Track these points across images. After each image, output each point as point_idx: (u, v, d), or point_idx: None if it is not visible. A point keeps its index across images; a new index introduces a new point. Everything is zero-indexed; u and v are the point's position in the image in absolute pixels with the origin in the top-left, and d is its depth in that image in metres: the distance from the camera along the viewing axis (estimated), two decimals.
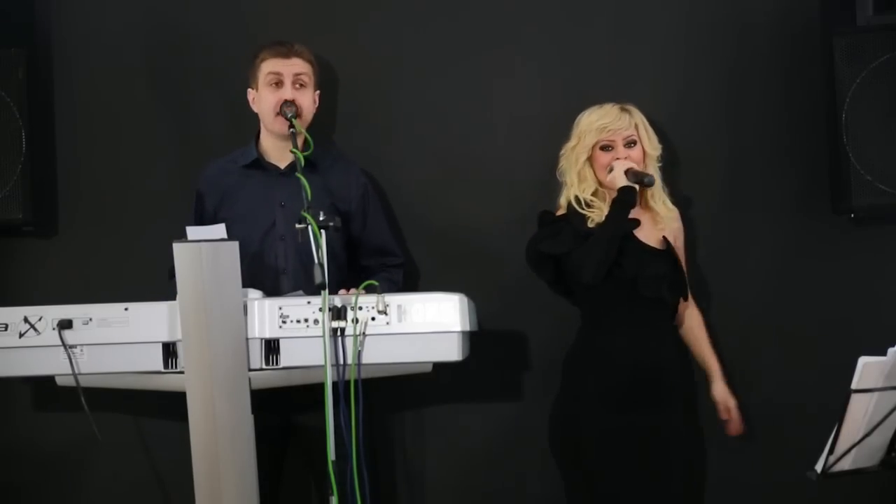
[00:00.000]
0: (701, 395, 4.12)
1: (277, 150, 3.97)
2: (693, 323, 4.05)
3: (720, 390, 4.00)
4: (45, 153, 4.28)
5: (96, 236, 4.32)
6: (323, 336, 3.44)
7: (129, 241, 4.29)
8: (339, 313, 3.51)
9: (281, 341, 3.54)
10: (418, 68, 4.30)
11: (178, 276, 3.44)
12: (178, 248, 3.44)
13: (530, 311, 4.20)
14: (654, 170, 3.94)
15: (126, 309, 3.57)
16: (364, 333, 3.51)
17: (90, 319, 3.56)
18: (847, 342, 3.91)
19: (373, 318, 3.53)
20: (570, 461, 3.87)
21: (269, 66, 3.94)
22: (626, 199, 3.82)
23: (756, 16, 4.24)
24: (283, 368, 3.55)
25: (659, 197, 3.96)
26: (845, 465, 3.29)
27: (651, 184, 3.84)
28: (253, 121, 4.04)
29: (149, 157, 4.32)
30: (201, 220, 3.93)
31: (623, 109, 3.91)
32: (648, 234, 3.93)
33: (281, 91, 3.91)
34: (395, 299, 3.55)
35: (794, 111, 4.23)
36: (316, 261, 3.41)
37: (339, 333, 3.49)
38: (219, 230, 3.63)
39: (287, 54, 3.95)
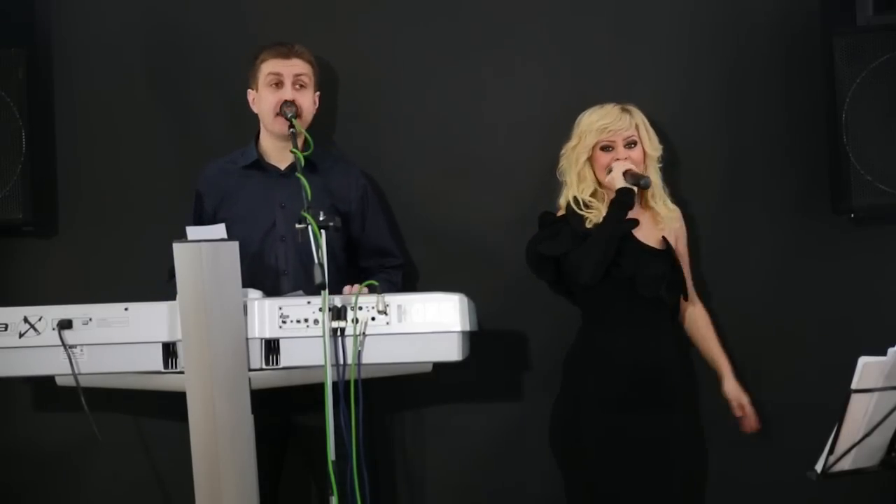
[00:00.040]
0: (702, 395, 4.13)
1: (277, 151, 3.97)
2: (700, 322, 4.05)
3: (732, 387, 3.99)
4: (45, 153, 4.28)
5: (96, 236, 4.32)
6: (323, 336, 3.44)
7: (129, 241, 4.29)
8: (339, 313, 3.51)
9: (281, 341, 3.54)
10: (418, 68, 4.30)
11: (178, 276, 3.44)
12: (178, 248, 3.44)
13: (530, 311, 4.20)
14: (654, 170, 3.94)
15: (126, 309, 3.57)
16: (364, 333, 3.51)
17: (90, 319, 3.56)
18: (847, 342, 3.90)
19: (373, 318, 3.53)
20: (570, 461, 3.87)
21: (269, 67, 3.94)
22: (623, 201, 3.82)
23: (756, 16, 4.24)
24: (283, 368, 3.55)
25: (659, 197, 3.97)
26: (845, 465, 3.29)
27: (647, 186, 3.84)
28: (253, 121, 4.04)
29: (149, 157, 4.32)
30: (201, 221, 3.93)
31: (624, 110, 3.91)
32: (648, 234, 3.93)
33: (281, 91, 3.92)
34: (395, 299, 3.55)
35: (794, 111, 4.23)
36: (316, 261, 3.41)
37: (339, 333, 3.49)
38: (219, 230, 3.63)
39: (287, 55, 3.95)
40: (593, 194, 3.92)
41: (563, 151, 3.97)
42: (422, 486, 4.28)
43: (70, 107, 4.34)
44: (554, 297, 4.02)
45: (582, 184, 3.92)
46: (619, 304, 3.85)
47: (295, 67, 3.94)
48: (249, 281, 3.65)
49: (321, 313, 3.45)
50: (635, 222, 3.89)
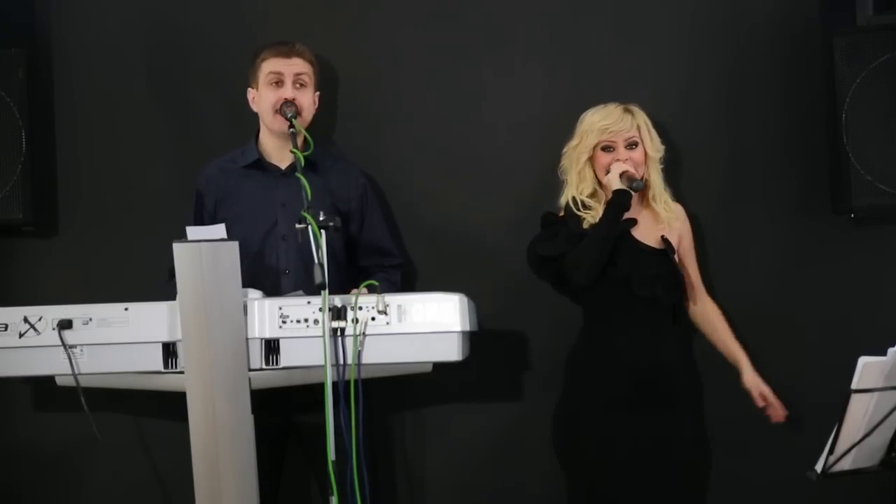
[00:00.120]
0: (705, 395, 4.12)
1: (278, 150, 3.98)
2: (712, 316, 4.04)
3: (751, 379, 3.97)
4: (45, 153, 4.28)
5: (96, 236, 4.32)
6: (323, 336, 3.44)
7: (129, 241, 4.29)
8: (339, 313, 3.51)
9: (281, 341, 3.54)
10: (418, 68, 4.30)
11: (178, 276, 3.44)
12: (178, 248, 3.44)
13: (530, 311, 4.20)
14: (655, 171, 3.94)
15: (126, 309, 3.57)
16: (364, 333, 3.51)
17: (90, 319, 3.56)
18: (847, 342, 3.90)
19: (373, 318, 3.53)
20: (571, 462, 3.87)
21: (269, 66, 3.94)
22: (619, 202, 3.82)
23: (756, 16, 4.24)
24: (283, 368, 3.55)
25: (660, 197, 3.97)
26: (845, 465, 3.29)
27: (639, 189, 3.84)
28: (253, 120, 4.04)
29: (149, 157, 4.32)
30: (201, 221, 3.93)
31: (626, 110, 3.91)
32: (647, 234, 3.93)
33: (281, 90, 3.92)
34: (395, 299, 3.55)
35: (794, 111, 4.23)
36: (316, 261, 3.41)
37: (339, 333, 3.49)
38: (219, 230, 3.63)
39: (288, 54, 3.95)
40: (593, 194, 3.93)
41: (564, 150, 3.97)
42: (422, 486, 4.28)
43: (70, 107, 4.34)
44: (554, 297, 4.02)
45: (582, 183, 3.92)
46: (619, 304, 3.85)
47: (295, 66, 3.94)
48: (250, 280, 3.66)
49: (321, 313, 3.45)
50: (633, 222, 3.90)
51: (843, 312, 4.16)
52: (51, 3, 4.33)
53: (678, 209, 4.02)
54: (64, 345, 3.55)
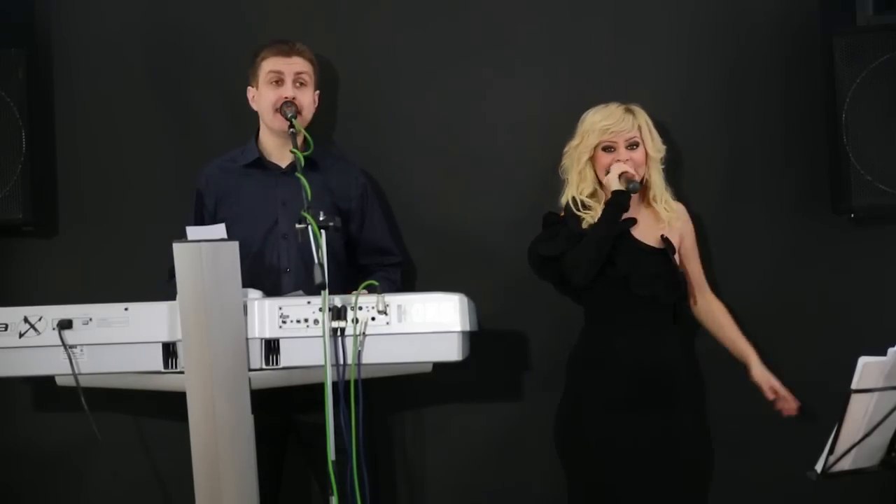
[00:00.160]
0: (708, 394, 4.12)
1: (278, 149, 3.98)
2: (717, 314, 4.04)
3: (760, 373, 3.95)
4: (45, 153, 4.28)
5: (96, 236, 4.32)
6: (323, 336, 3.44)
7: (129, 241, 4.28)
8: (339, 313, 3.51)
9: (281, 341, 3.54)
10: (418, 68, 4.30)
11: (178, 276, 3.44)
12: (178, 248, 3.44)
13: (530, 311, 4.20)
14: (656, 171, 3.94)
15: (126, 309, 3.57)
16: (364, 333, 3.51)
17: (90, 319, 3.56)
18: (847, 342, 3.90)
19: (373, 318, 3.52)
20: (573, 461, 3.86)
21: (270, 65, 3.94)
22: (617, 202, 3.82)
23: (756, 16, 4.24)
24: (283, 368, 3.55)
25: (661, 197, 3.96)
26: (845, 465, 3.29)
27: (636, 190, 3.83)
28: (253, 120, 4.04)
29: (149, 157, 4.32)
30: (202, 220, 3.93)
31: (627, 110, 3.91)
32: (646, 233, 3.93)
33: (281, 89, 3.92)
34: (395, 299, 3.55)
35: (794, 111, 4.23)
36: (316, 261, 3.41)
37: (339, 333, 3.49)
38: (219, 230, 3.63)
39: (288, 53, 3.95)
40: (593, 194, 3.92)
41: (565, 149, 3.97)
42: (422, 486, 4.28)
43: (70, 107, 4.34)
44: (554, 296, 4.02)
45: (582, 183, 3.92)
46: (620, 304, 3.85)
47: (296, 65, 3.94)
48: (251, 279, 3.66)
49: (321, 313, 3.45)
50: (632, 221, 3.90)
51: (842, 312, 4.16)
52: (51, 3, 4.33)
53: (680, 208, 4.02)
54: (64, 345, 3.55)
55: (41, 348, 3.57)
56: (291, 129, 3.79)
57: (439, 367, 3.61)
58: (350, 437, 3.43)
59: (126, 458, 4.24)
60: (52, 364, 3.57)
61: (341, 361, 3.47)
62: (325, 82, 4.12)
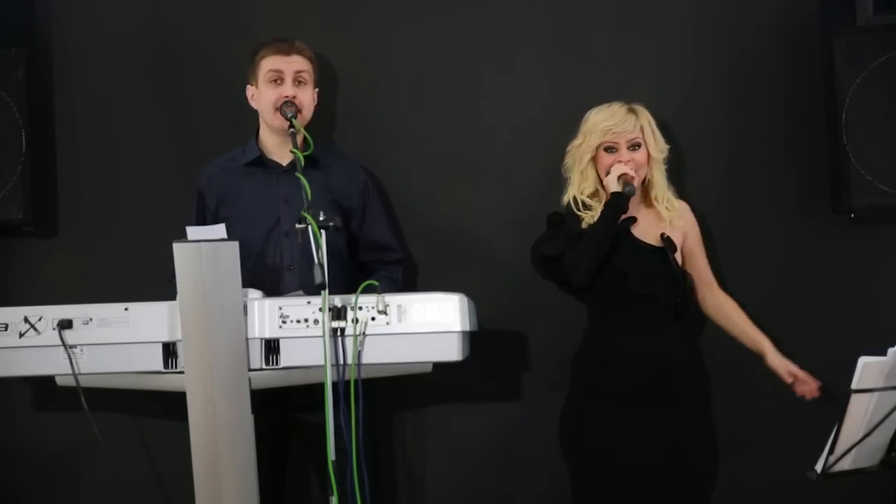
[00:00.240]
0: (713, 393, 4.12)
1: (278, 148, 3.98)
2: (726, 307, 4.03)
3: (776, 360, 3.94)
4: (45, 153, 4.28)
5: (96, 236, 4.32)
6: (323, 336, 3.44)
7: (129, 241, 4.29)
8: (339, 313, 3.51)
9: (281, 341, 3.54)
10: (418, 68, 4.30)
11: (178, 276, 3.44)
12: (178, 248, 3.44)
13: (530, 311, 4.20)
14: (659, 171, 3.94)
15: (126, 309, 3.57)
16: (364, 333, 3.51)
17: (90, 319, 3.56)
18: (847, 342, 3.90)
19: (373, 318, 3.52)
20: (578, 461, 3.86)
21: (269, 64, 3.94)
22: (616, 204, 3.81)
23: (756, 16, 4.24)
24: (283, 368, 3.55)
25: (662, 197, 3.96)
26: (845, 465, 3.29)
27: (631, 193, 3.82)
28: (252, 120, 4.04)
29: (149, 157, 4.32)
30: (203, 220, 3.93)
31: (630, 110, 3.90)
32: (647, 232, 3.93)
33: (281, 88, 3.92)
34: (395, 299, 3.55)
35: (794, 111, 4.23)
36: (316, 261, 3.41)
37: (339, 333, 3.49)
38: (219, 230, 3.63)
39: (288, 51, 3.95)
40: (594, 194, 3.92)
41: (568, 149, 3.96)
42: (422, 486, 4.28)
43: (70, 107, 4.34)
44: (554, 296, 4.02)
45: (584, 183, 3.92)
46: (620, 303, 3.85)
47: (295, 64, 3.94)
48: (254, 277, 3.67)
49: (321, 313, 3.45)
50: (632, 220, 3.90)
51: (842, 312, 4.16)
52: (51, 3, 4.33)
53: (682, 206, 4.02)
54: (64, 345, 3.55)
55: (41, 348, 3.57)
56: (291, 130, 3.79)
57: (439, 367, 3.61)
58: (350, 437, 3.43)
59: (126, 458, 4.24)
60: (52, 364, 3.57)
61: (341, 361, 3.47)
62: (325, 82, 4.12)
